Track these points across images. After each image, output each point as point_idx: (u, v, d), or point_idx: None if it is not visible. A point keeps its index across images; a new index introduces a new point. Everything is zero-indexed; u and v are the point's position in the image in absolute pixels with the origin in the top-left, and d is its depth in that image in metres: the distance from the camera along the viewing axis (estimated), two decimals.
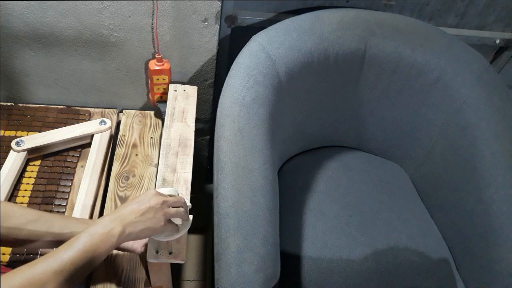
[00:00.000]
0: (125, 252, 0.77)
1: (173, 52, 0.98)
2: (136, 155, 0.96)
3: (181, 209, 0.63)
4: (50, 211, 0.82)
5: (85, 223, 0.64)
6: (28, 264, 0.49)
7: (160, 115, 1.06)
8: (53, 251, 0.51)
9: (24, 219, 0.58)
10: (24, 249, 0.75)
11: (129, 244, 0.70)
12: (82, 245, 0.52)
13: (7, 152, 0.87)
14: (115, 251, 0.76)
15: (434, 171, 1.06)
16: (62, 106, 1.02)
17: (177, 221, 0.65)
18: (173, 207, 0.62)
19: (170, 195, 0.64)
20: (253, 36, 0.88)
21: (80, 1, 0.86)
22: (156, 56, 0.94)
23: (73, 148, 0.94)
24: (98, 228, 0.54)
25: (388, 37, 0.94)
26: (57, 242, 0.59)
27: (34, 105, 1.01)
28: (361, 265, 0.88)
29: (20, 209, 0.59)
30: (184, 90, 0.98)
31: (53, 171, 0.89)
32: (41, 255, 0.68)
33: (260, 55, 0.84)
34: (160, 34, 0.93)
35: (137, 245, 0.70)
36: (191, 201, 0.72)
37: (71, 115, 1.00)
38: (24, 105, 1.01)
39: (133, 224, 0.57)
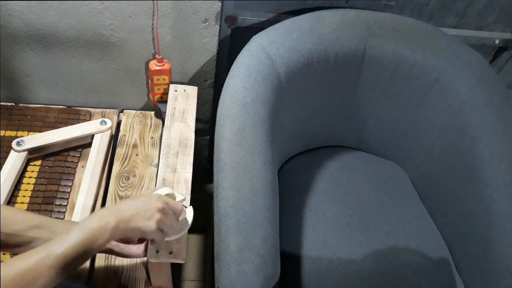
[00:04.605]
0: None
1: (173, 53, 0.98)
2: (137, 155, 0.96)
3: (173, 225, 0.62)
4: (51, 211, 0.83)
5: None
6: (20, 256, 0.48)
7: (160, 115, 1.06)
8: (46, 245, 0.50)
9: (25, 225, 0.57)
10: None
11: (130, 249, 0.69)
12: (75, 239, 0.51)
13: (8, 152, 0.87)
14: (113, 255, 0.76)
15: (433, 171, 1.06)
16: (62, 106, 1.02)
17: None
18: (169, 218, 0.61)
19: (168, 194, 0.65)
20: (253, 37, 0.88)
21: (81, 1, 0.86)
22: (156, 56, 0.94)
23: (74, 148, 0.94)
24: (92, 222, 0.53)
25: (388, 37, 0.94)
26: None
27: (34, 105, 1.01)
28: (361, 265, 0.88)
29: (20, 214, 0.58)
30: (184, 90, 0.98)
31: (53, 171, 0.89)
32: None
33: (260, 56, 0.85)
34: (160, 34, 0.93)
35: (138, 250, 0.70)
36: (191, 201, 0.72)
37: (72, 115, 1.00)
38: (25, 105, 1.01)
39: (126, 221, 0.56)
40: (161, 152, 0.83)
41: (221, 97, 0.82)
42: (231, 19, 0.97)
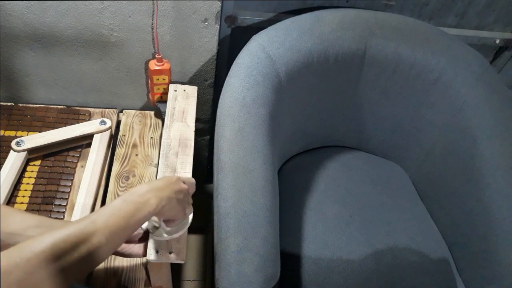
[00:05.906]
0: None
1: (173, 52, 0.98)
2: (136, 155, 0.96)
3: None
4: (50, 211, 0.82)
5: None
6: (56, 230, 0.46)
7: (160, 115, 1.06)
8: (81, 219, 0.49)
9: (25, 224, 0.56)
10: None
11: (130, 248, 0.69)
12: (117, 210, 0.50)
13: (7, 152, 0.87)
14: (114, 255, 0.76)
15: (434, 171, 1.06)
16: (62, 106, 1.02)
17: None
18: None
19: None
20: (253, 36, 0.88)
21: (80, 1, 0.86)
22: (156, 56, 0.94)
23: (73, 148, 0.94)
24: (133, 196, 0.53)
25: (388, 37, 0.94)
26: None
27: (34, 105, 1.01)
28: (361, 265, 0.88)
29: (20, 214, 0.58)
30: (184, 90, 0.98)
31: (53, 171, 0.89)
32: None
33: (260, 55, 0.84)
34: (160, 34, 0.93)
35: (139, 249, 0.69)
36: None
37: (71, 115, 1.00)
38: (24, 105, 1.01)
39: (169, 199, 0.56)
40: (161, 152, 0.83)
41: (221, 96, 0.82)
42: (231, 18, 0.97)
